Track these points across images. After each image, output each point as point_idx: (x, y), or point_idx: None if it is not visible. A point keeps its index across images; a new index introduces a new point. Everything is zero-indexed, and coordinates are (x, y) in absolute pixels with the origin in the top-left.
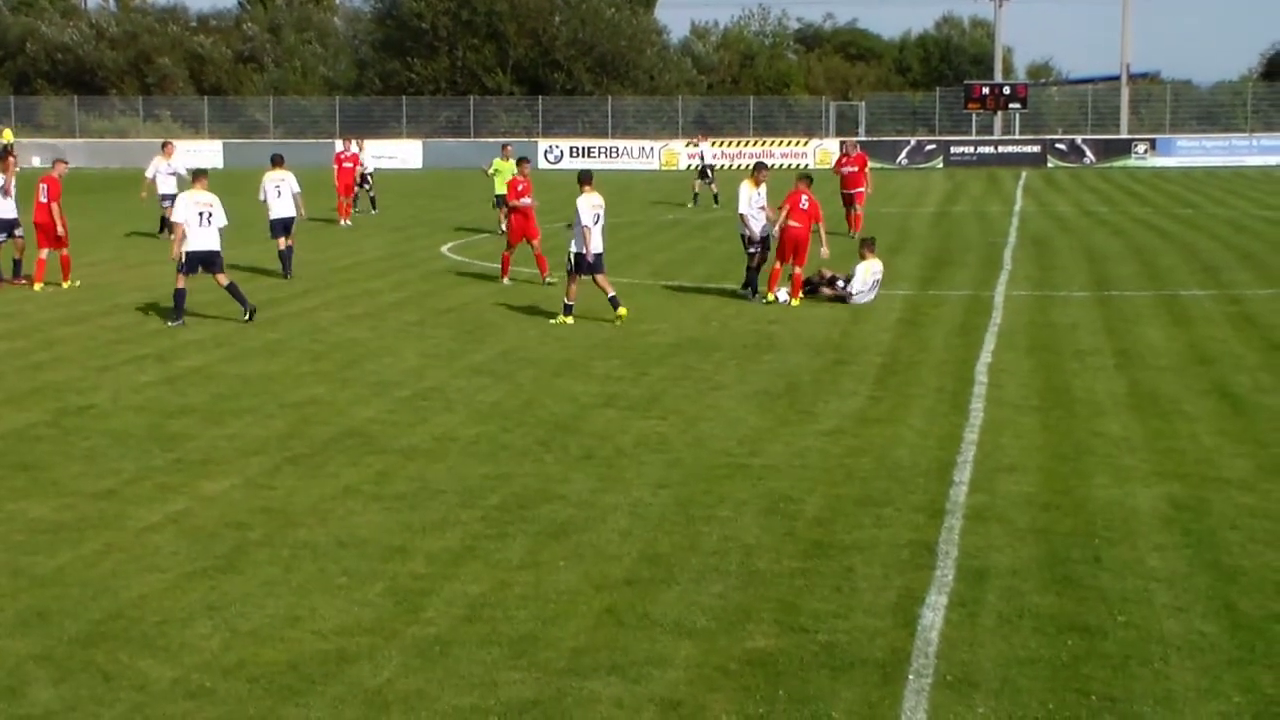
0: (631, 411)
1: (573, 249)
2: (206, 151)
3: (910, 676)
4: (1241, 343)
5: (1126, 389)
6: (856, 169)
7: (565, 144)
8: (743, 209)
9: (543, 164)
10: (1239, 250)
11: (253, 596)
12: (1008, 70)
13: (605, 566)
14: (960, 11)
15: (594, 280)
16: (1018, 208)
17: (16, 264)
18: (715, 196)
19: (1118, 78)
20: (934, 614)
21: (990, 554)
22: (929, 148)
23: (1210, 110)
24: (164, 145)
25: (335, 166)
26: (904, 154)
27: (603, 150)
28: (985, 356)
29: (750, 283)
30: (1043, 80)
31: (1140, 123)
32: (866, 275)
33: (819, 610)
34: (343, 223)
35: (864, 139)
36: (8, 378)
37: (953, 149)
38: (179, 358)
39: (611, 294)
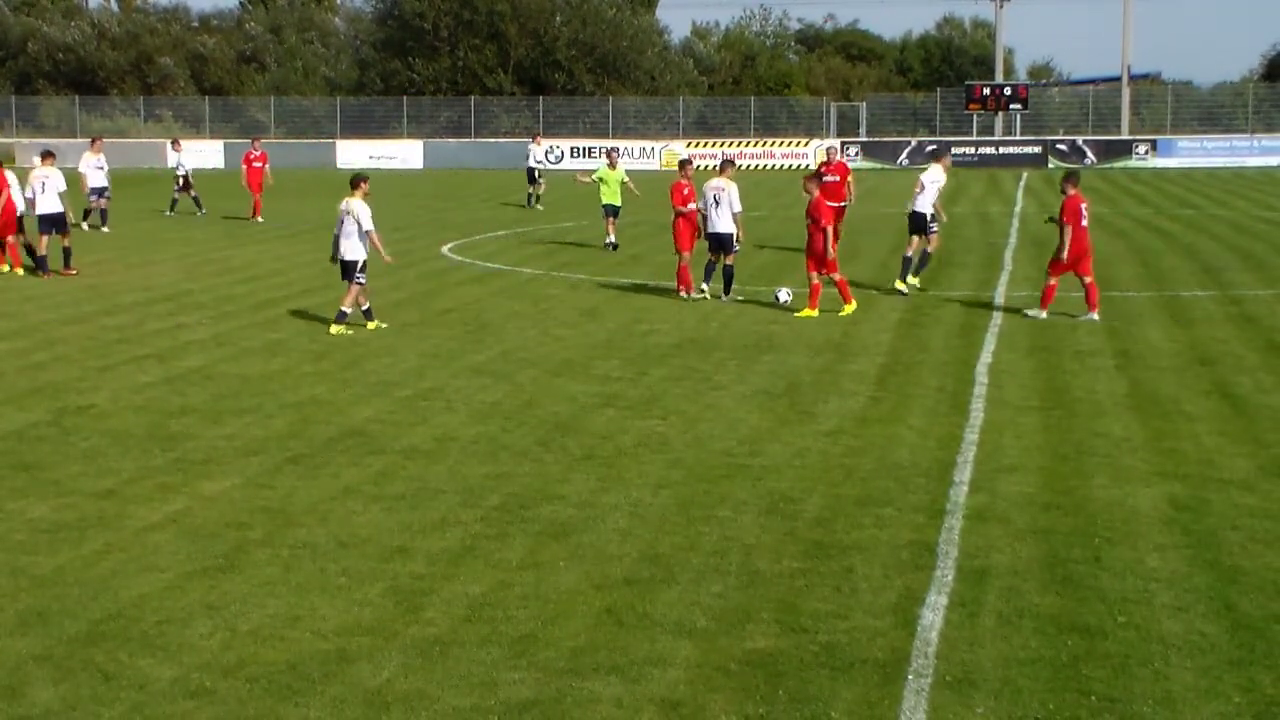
0: (631, 411)
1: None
2: (207, 151)
3: (910, 676)
4: (1242, 343)
5: (1127, 389)
6: (838, 179)
7: (566, 144)
8: (737, 208)
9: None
10: (1240, 251)
11: (253, 596)
12: (1009, 71)
13: (605, 566)
14: (961, 12)
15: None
16: (1018, 208)
17: (66, 252)
18: (538, 198)
19: (1119, 78)
20: (934, 614)
21: (990, 554)
22: (930, 148)
23: (1211, 111)
24: (93, 141)
25: (244, 167)
26: (905, 154)
27: (603, 151)
28: (985, 357)
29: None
30: (1044, 81)
31: (1141, 123)
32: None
33: (819, 610)
34: (257, 219)
35: (865, 139)
36: (8, 378)
37: (953, 150)
38: (179, 358)
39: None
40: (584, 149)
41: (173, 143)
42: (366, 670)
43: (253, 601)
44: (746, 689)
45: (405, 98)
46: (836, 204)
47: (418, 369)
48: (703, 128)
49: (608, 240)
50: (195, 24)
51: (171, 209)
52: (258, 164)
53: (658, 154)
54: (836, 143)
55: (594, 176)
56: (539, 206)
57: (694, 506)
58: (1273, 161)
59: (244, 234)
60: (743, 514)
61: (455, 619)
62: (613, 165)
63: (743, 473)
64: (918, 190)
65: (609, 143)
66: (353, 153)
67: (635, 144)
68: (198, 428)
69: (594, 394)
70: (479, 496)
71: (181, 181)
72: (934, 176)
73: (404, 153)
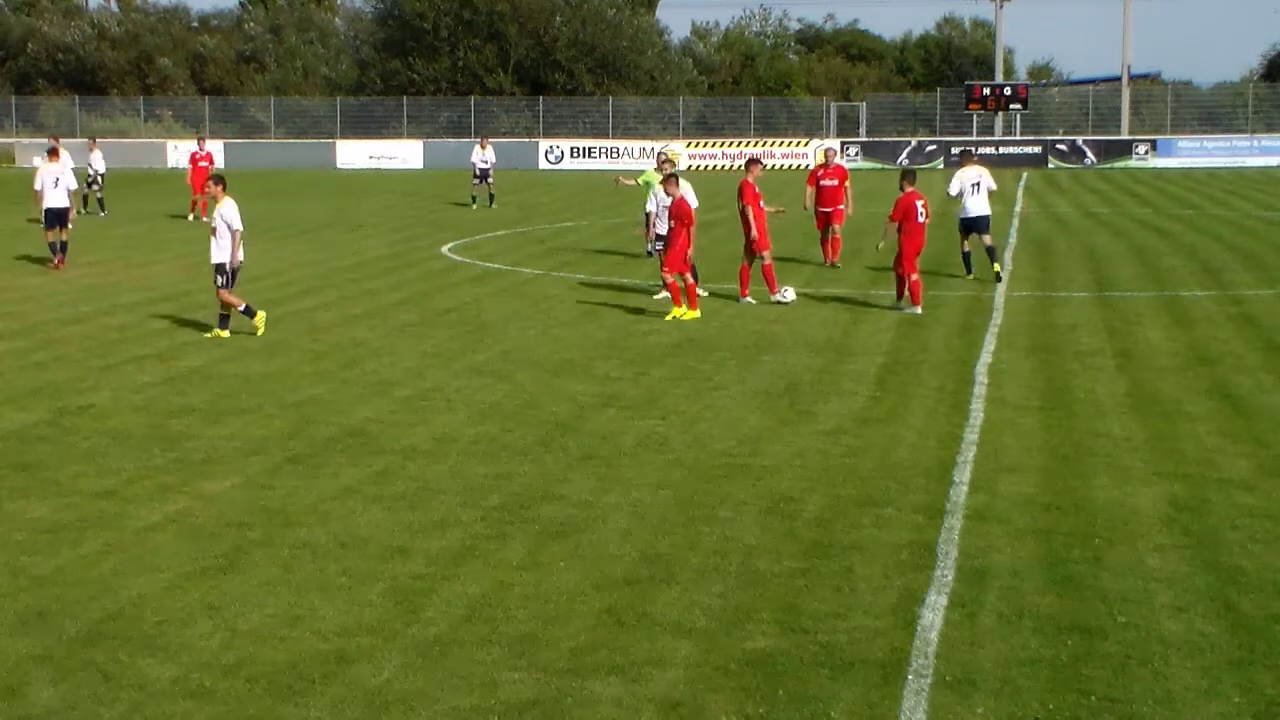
0: (631, 411)
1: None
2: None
3: (910, 676)
4: (1243, 343)
5: (1127, 389)
6: (836, 183)
7: (566, 144)
8: (653, 208)
9: (543, 164)
10: (1240, 251)
11: (253, 596)
12: (1009, 71)
13: (605, 566)
14: (961, 12)
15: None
16: (1018, 208)
17: (63, 245)
18: (491, 196)
19: (1119, 78)
20: (934, 614)
21: (990, 554)
22: (930, 148)
23: (1211, 111)
24: (52, 152)
25: (190, 166)
26: (905, 154)
27: (603, 151)
28: (985, 357)
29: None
30: (1044, 81)
31: (1141, 124)
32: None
33: (819, 610)
34: (189, 218)
35: (865, 139)
36: (8, 378)
37: (953, 150)
38: (179, 358)
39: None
40: (584, 149)
41: (90, 142)
42: (366, 670)
43: (253, 601)
44: (746, 689)
45: (405, 98)
46: (831, 208)
47: (418, 369)
48: (703, 128)
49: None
50: (195, 24)
51: (85, 207)
52: (203, 163)
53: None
54: (836, 144)
55: (640, 180)
56: (493, 206)
57: (694, 506)
58: (1273, 161)
59: (244, 234)
60: (743, 514)
61: (455, 619)
62: (660, 169)
63: (743, 473)
64: (971, 193)
65: (610, 143)
66: (352, 153)
67: (635, 144)
68: (198, 428)
69: (594, 394)
70: (479, 496)
71: (94, 182)
72: (978, 176)
73: (404, 153)
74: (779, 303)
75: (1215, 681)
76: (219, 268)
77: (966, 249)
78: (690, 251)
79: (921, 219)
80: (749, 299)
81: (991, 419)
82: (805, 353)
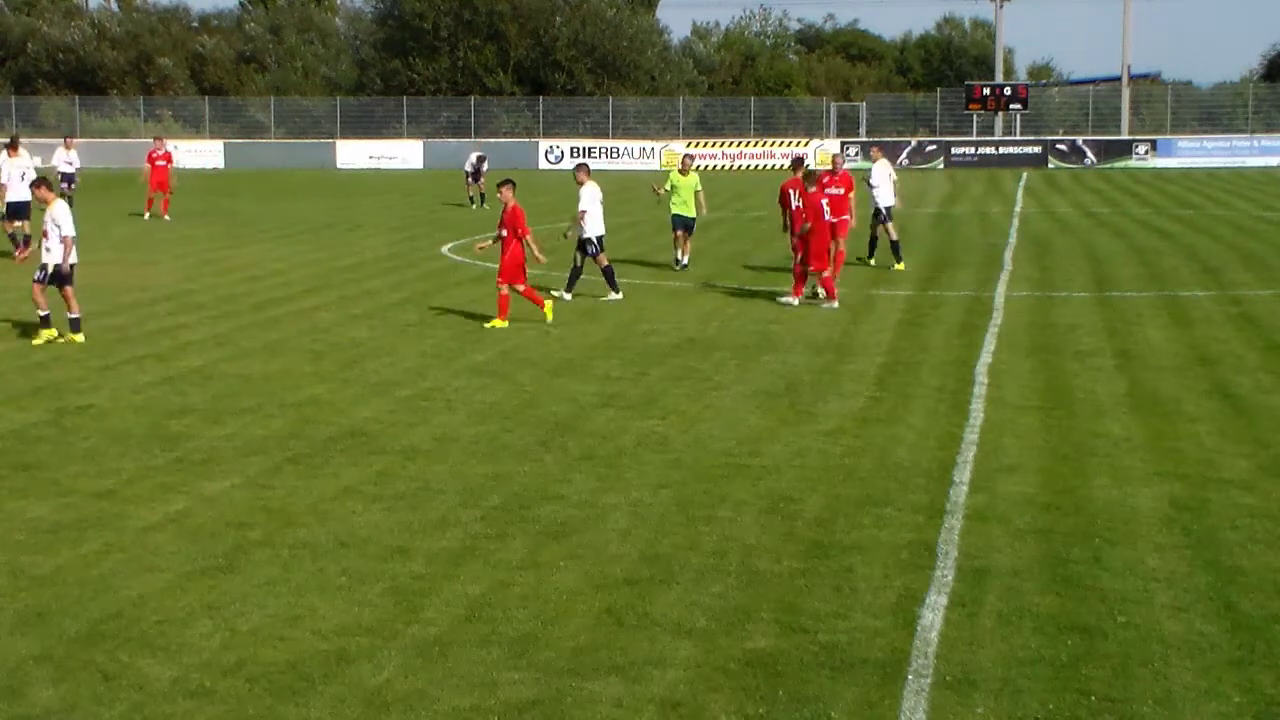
0: (631, 411)
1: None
2: (207, 151)
3: (910, 676)
4: (1242, 343)
5: (1127, 389)
6: (843, 192)
7: (566, 144)
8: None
9: (543, 164)
10: (1240, 251)
11: (252, 596)
12: (1009, 71)
13: (605, 566)
14: (961, 12)
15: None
16: (1018, 208)
17: (25, 238)
18: (482, 196)
19: (1118, 79)
20: (934, 614)
21: (990, 554)
22: (930, 148)
23: (1211, 111)
24: (12, 143)
25: (148, 165)
26: (905, 154)
27: (603, 150)
28: (985, 357)
29: (569, 285)
30: (1044, 81)
31: (1141, 124)
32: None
33: (819, 610)
34: (145, 216)
35: (865, 139)
36: (8, 377)
37: (953, 150)
38: (179, 358)
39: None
40: (584, 149)
41: (64, 141)
42: (366, 670)
43: (253, 601)
44: (746, 689)
45: (405, 98)
46: (837, 218)
47: (418, 369)
48: (703, 128)
49: (677, 260)
50: (195, 24)
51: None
52: (161, 163)
53: (658, 154)
54: (837, 145)
55: (666, 185)
56: (486, 206)
57: (694, 506)
58: (1273, 161)
59: (244, 234)
60: (743, 514)
61: (455, 619)
62: (685, 171)
63: (743, 473)
64: (875, 185)
65: (610, 143)
66: (352, 153)
67: (635, 144)
68: (198, 428)
69: (594, 394)
70: (479, 496)
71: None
72: (889, 168)
73: (404, 153)
74: (785, 304)
75: (1215, 681)
76: (43, 267)
77: (893, 236)
78: (534, 257)
79: (828, 217)
80: (795, 300)
81: (991, 419)
82: (805, 353)
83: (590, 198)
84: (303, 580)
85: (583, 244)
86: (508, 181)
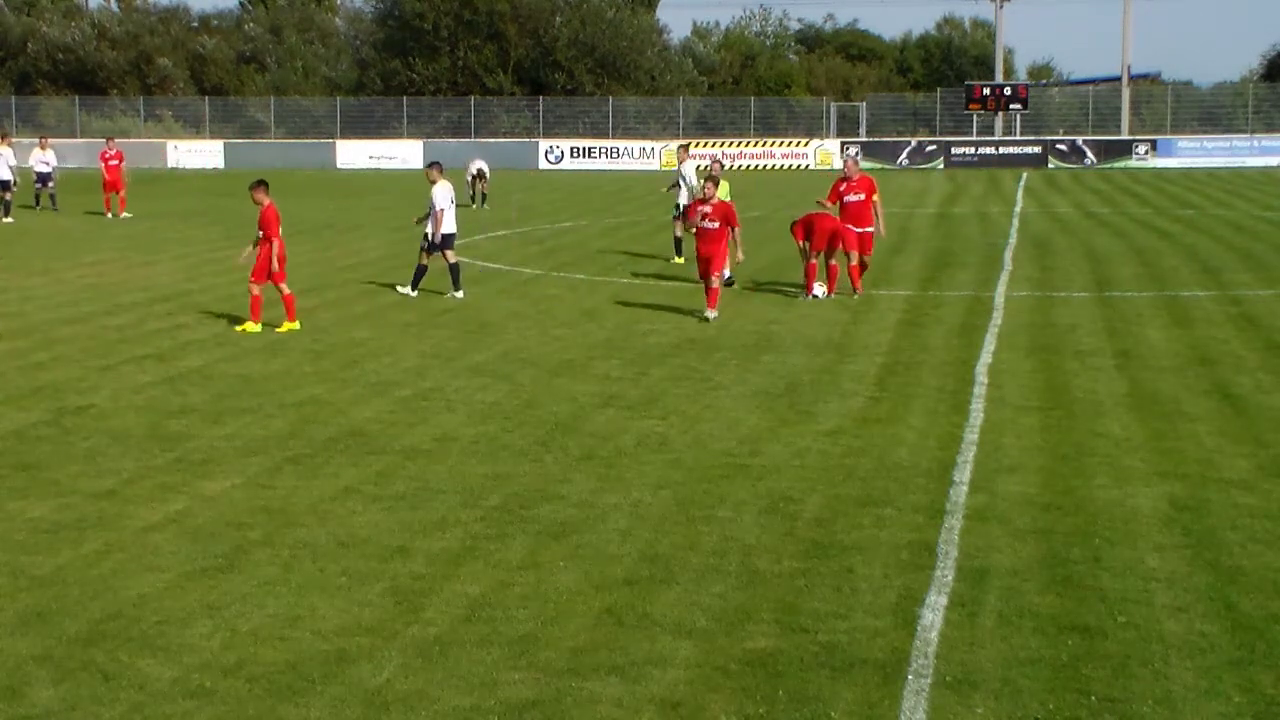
0: (631, 411)
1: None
2: (207, 151)
3: (910, 677)
4: (1242, 343)
5: (1127, 389)
6: (863, 197)
7: (566, 144)
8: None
9: (543, 165)
10: (1240, 251)
11: (253, 596)
12: (1009, 71)
13: (605, 566)
14: (961, 12)
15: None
16: (1018, 208)
17: (7, 205)
18: (484, 196)
19: (1118, 78)
20: (934, 614)
21: (990, 554)
22: (930, 148)
23: (1211, 111)
24: (2, 136)
25: (101, 164)
26: (905, 154)
27: (603, 151)
28: (985, 357)
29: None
30: (1044, 81)
31: (1141, 124)
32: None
33: (819, 610)
34: (108, 215)
35: (865, 140)
36: (8, 377)
37: (953, 150)
38: (179, 358)
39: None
40: (584, 149)
41: (40, 141)
42: (366, 670)
43: (253, 601)
44: (746, 689)
45: (405, 98)
46: (860, 228)
47: (418, 369)
48: (703, 128)
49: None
50: (195, 24)
51: (37, 203)
52: (113, 162)
53: (658, 154)
54: (837, 145)
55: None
56: (485, 207)
57: (694, 506)
58: (1273, 161)
59: (244, 234)
60: (743, 514)
61: (455, 619)
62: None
63: (743, 473)
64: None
65: (610, 143)
66: (353, 153)
67: (635, 144)
68: (198, 428)
69: (594, 394)
70: (479, 496)
71: (44, 180)
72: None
73: (404, 153)
74: (815, 298)
75: (1215, 681)
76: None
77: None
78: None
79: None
80: (814, 295)
81: (991, 419)
82: (805, 353)
83: (444, 196)
84: (303, 580)
85: (431, 243)
86: (261, 182)
